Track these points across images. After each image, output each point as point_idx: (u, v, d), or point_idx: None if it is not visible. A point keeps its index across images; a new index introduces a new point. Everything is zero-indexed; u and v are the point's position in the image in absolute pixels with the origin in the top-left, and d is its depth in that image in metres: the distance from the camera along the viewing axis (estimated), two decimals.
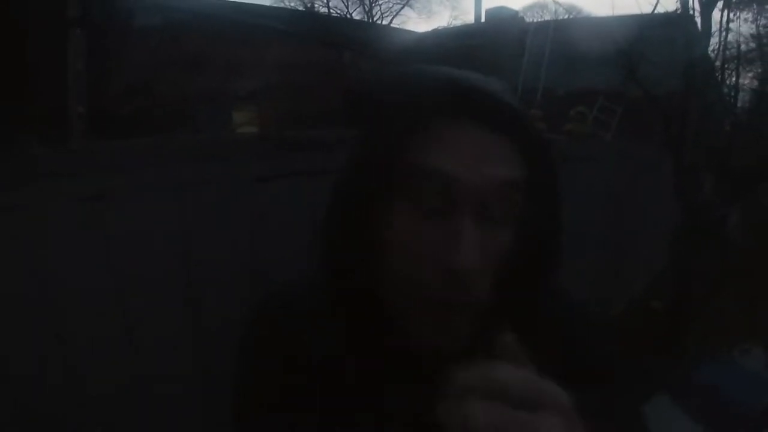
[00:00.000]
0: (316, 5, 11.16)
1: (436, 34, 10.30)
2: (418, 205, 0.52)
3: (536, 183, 0.55)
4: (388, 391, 0.60)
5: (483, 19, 9.49)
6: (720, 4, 3.44)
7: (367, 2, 14.55)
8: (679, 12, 3.58)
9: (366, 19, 13.56)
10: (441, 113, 0.52)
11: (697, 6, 3.39)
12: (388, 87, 0.58)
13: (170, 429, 1.91)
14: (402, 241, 0.53)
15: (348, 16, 13.14)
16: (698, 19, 3.46)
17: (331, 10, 11.93)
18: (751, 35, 5.64)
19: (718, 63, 3.73)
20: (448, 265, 0.50)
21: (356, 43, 7.87)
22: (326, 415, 0.63)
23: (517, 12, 9.35)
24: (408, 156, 0.52)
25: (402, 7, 16.62)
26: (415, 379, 0.58)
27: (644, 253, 4.42)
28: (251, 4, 6.66)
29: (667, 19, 3.78)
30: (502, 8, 9.02)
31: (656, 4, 3.59)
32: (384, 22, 14.79)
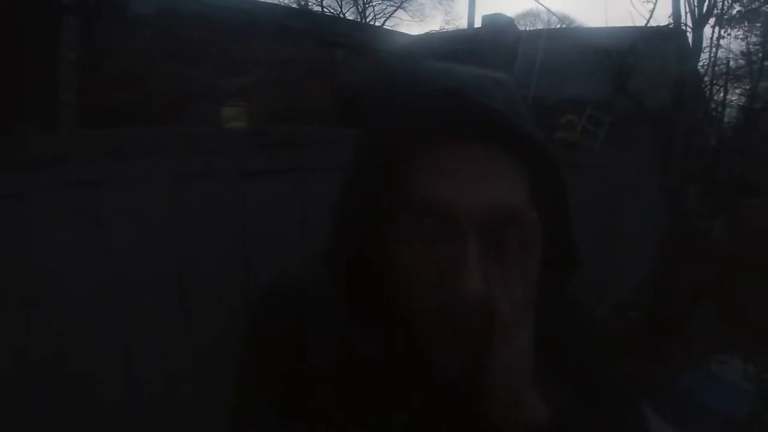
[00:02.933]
0: (309, 4, 11.17)
1: (430, 37, 10.33)
2: (420, 231, 0.50)
3: (543, 197, 0.52)
4: (396, 394, 0.60)
5: (477, 25, 9.60)
6: (711, 21, 3.50)
7: (361, 3, 14.60)
8: (671, 26, 3.65)
9: (359, 20, 13.58)
10: (436, 135, 0.49)
11: (689, 21, 3.45)
12: (380, 102, 0.55)
13: (157, 417, 1.89)
14: (407, 267, 0.51)
15: (341, 16, 13.17)
16: (690, 34, 3.52)
17: (325, 10, 11.94)
18: (741, 52, 5.78)
19: (707, 78, 3.81)
20: (452, 290, 0.48)
21: (349, 43, 7.86)
22: (332, 413, 0.62)
23: (512, 20, 9.43)
24: (402, 185, 0.50)
25: (395, 10, 16.70)
26: (423, 384, 0.58)
27: (629, 260, 4.47)
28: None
29: (658, 32, 3.84)
30: (498, 15, 9.09)
31: (649, 18, 3.64)
32: (377, 24, 14.84)
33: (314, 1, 12.13)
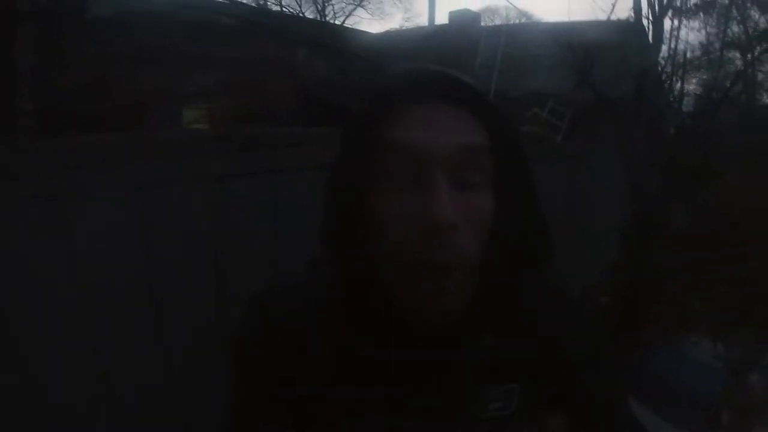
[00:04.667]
0: (268, 3, 11.01)
1: (395, 35, 10.34)
2: (397, 177, 0.57)
3: (501, 149, 0.61)
4: (398, 378, 0.63)
5: (438, 22, 9.63)
6: (670, 13, 3.62)
7: (320, 1, 14.49)
8: (631, 20, 3.75)
9: (319, 18, 13.48)
10: (406, 97, 0.59)
11: (649, 14, 3.56)
12: (362, 85, 0.68)
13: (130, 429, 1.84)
14: (386, 213, 0.58)
15: (300, 14, 13.04)
16: (650, 27, 3.63)
17: (284, 9, 11.80)
18: (700, 43, 6.03)
19: (668, 69, 3.94)
20: (425, 223, 0.54)
21: (311, 42, 7.79)
22: (338, 404, 0.64)
23: (478, 15, 9.51)
24: (381, 137, 0.58)
25: (355, 8, 16.66)
26: (422, 361, 0.62)
27: (596, 248, 4.58)
28: None
29: (619, 26, 3.95)
30: (465, 11, 9.14)
31: (611, 11, 3.73)
32: (337, 22, 14.75)
33: (273, 1, 11.98)
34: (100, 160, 1.92)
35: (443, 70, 0.62)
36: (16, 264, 1.61)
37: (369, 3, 17.62)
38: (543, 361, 0.68)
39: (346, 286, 0.63)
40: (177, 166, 2.03)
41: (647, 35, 3.65)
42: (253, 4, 9.54)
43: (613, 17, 3.76)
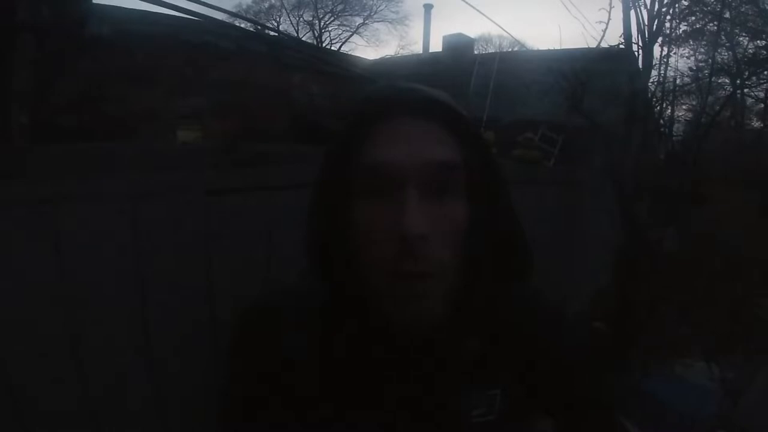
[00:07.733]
0: (266, 29, 11.19)
1: (391, 61, 10.50)
2: (372, 193, 0.60)
3: (474, 160, 0.63)
4: (382, 383, 0.64)
5: (433, 49, 9.77)
6: (660, 40, 3.73)
7: (317, 28, 14.74)
8: (621, 46, 3.85)
9: (315, 44, 13.69)
10: (378, 115, 0.62)
11: (639, 41, 3.65)
12: (340, 107, 0.71)
13: None
14: (363, 227, 0.61)
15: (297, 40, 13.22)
16: (639, 54, 3.72)
17: (282, 34, 11.98)
18: (690, 68, 6.23)
19: (658, 95, 4.03)
20: (398, 232, 0.57)
21: (307, 66, 7.89)
22: (323, 409, 0.64)
23: (472, 39, 9.65)
24: (357, 155, 0.61)
25: (351, 35, 16.96)
26: (405, 366, 0.64)
27: (587, 272, 4.59)
28: (203, 21, 6.58)
29: (610, 53, 4.05)
30: (459, 35, 9.27)
31: (601, 39, 3.84)
32: (333, 48, 14.98)
33: (271, 26, 12.18)
34: (94, 167, 1.91)
35: (414, 86, 0.64)
36: (4, 267, 1.58)
37: (365, 30, 17.99)
38: (526, 368, 0.69)
39: (330, 295, 0.65)
40: (171, 177, 2.02)
41: (637, 62, 3.74)
42: (252, 29, 9.69)
43: (604, 44, 3.87)
